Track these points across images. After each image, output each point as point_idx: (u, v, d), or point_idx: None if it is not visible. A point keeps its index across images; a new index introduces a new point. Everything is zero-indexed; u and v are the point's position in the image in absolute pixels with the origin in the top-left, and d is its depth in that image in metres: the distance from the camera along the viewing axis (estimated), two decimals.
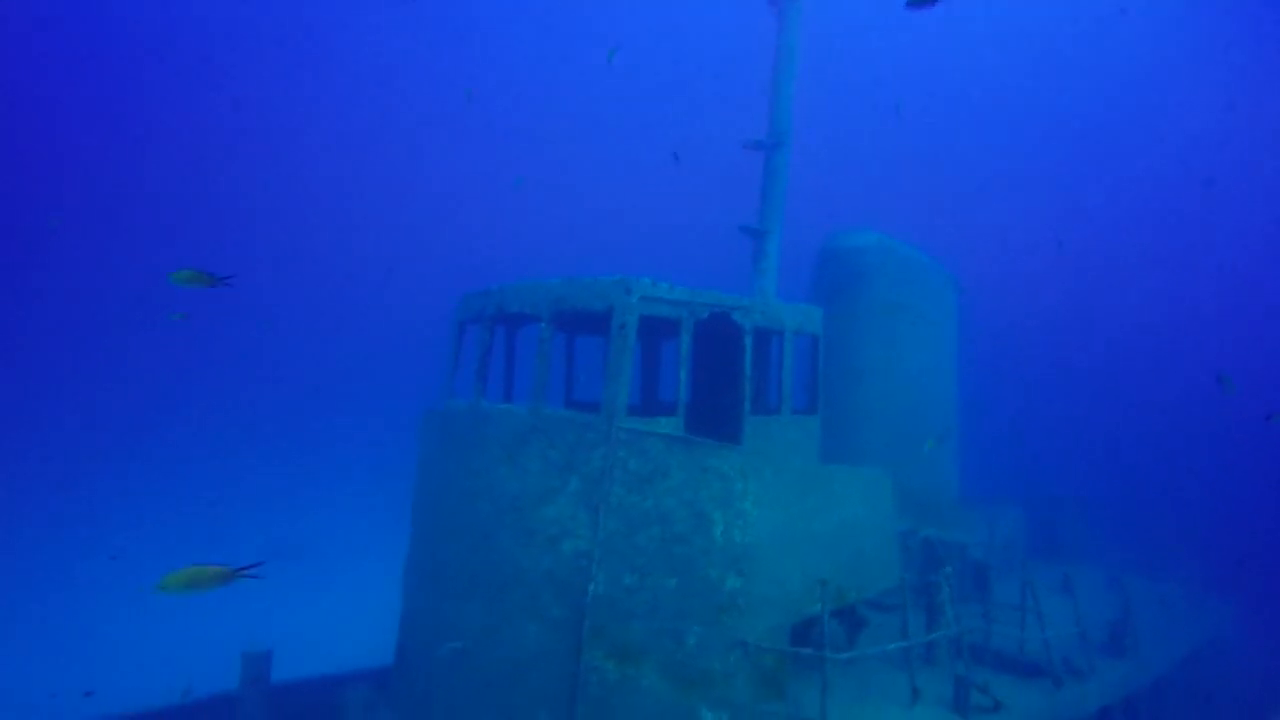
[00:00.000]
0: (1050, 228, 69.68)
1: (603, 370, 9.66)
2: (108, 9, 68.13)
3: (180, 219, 72.94)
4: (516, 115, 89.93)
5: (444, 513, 11.21)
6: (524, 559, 9.75)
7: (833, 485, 9.90)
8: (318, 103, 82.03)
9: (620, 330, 9.51)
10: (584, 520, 9.29)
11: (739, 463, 8.78)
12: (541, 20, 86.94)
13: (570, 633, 9.18)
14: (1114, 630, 12.73)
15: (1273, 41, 61.59)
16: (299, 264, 79.95)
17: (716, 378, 12.10)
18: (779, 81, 14.09)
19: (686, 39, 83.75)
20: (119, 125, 70.89)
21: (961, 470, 16.21)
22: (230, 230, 75.48)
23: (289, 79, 79.45)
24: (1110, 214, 72.60)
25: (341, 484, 48.11)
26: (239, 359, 67.73)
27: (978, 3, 73.06)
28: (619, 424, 9.25)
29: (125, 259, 66.63)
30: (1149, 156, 71.44)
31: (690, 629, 8.57)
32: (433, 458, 11.96)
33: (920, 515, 13.95)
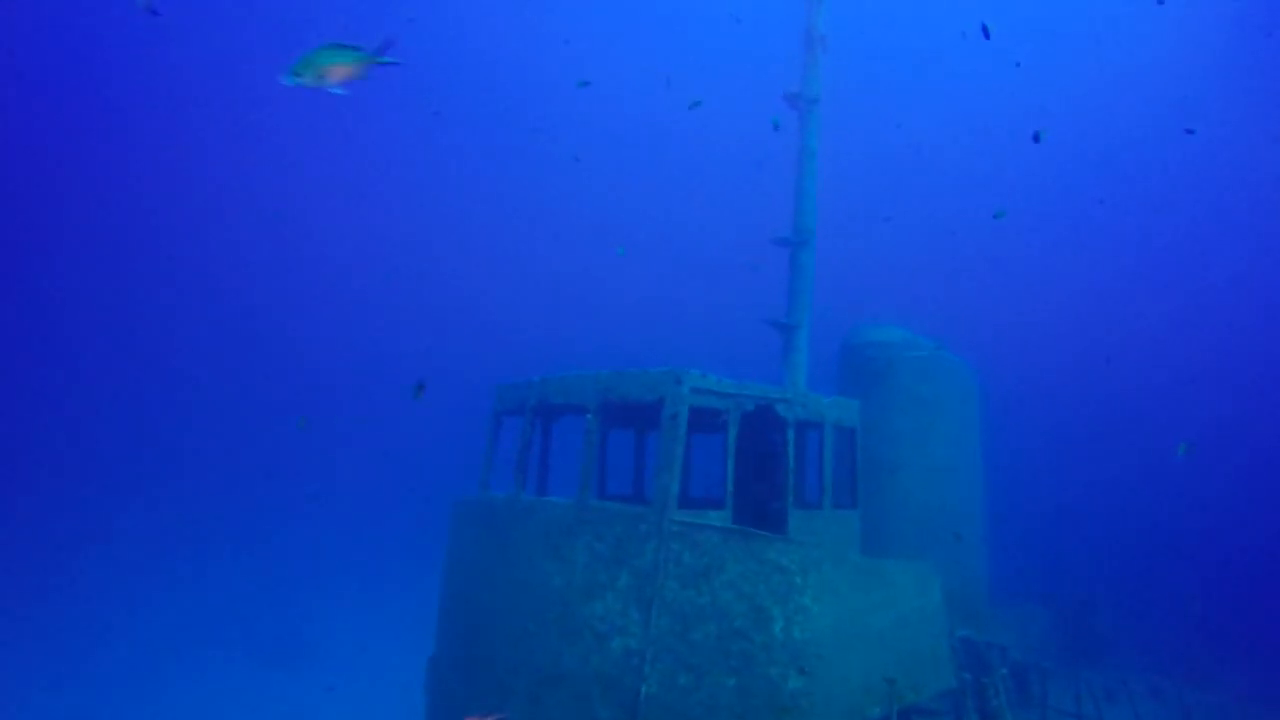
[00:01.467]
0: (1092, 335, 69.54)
1: (654, 463, 9.60)
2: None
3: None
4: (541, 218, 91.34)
5: (479, 607, 10.87)
6: (569, 657, 9.41)
7: (887, 580, 9.72)
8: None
9: (672, 421, 9.50)
10: (635, 617, 9.03)
11: (799, 556, 8.63)
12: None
13: None
14: None
15: None
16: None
17: (753, 471, 12.03)
18: (802, 182, 14.63)
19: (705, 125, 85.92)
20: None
21: (990, 569, 15.98)
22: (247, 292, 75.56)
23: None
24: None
25: (345, 578, 46.60)
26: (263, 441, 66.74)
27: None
28: (671, 516, 9.12)
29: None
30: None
31: None
32: (466, 550, 11.70)
33: (952, 615, 13.67)
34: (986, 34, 14.55)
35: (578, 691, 9.24)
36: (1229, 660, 18.78)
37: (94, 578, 41.61)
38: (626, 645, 9.00)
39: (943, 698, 10.65)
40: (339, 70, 6.27)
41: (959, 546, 14.46)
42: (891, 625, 9.53)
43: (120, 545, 46.69)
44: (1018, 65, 59.20)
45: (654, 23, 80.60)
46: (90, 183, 69.32)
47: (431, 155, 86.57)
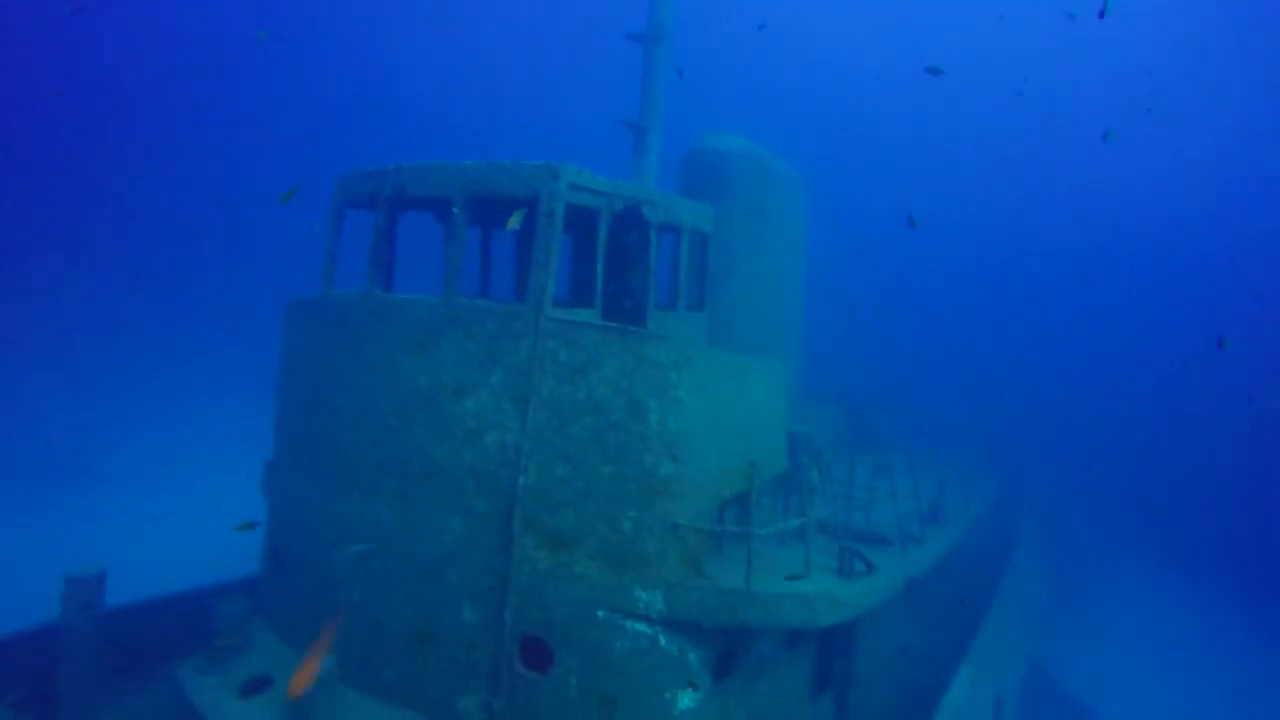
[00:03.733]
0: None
1: (522, 259, 9.30)
2: None
3: None
4: None
5: (330, 409, 10.39)
6: (440, 453, 9.37)
7: (745, 375, 10.40)
8: None
9: (548, 218, 9.16)
10: (510, 412, 9.08)
11: (674, 353, 8.94)
12: None
13: (497, 524, 9.07)
14: (933, 505, 14.92)
15: None
16: None
17: (609, 270, 12.07)
18: None
19: None
20: None
21: (802, 368, 17.65)
22: None
23: None
24: None
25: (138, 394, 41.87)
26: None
27: None
28: (548, 314, 9.02)
29: None
30: None
31: (625, 514, 8.78)
32: (311, 351, 10.96)
33: None
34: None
35: (450, 486, 9.31)
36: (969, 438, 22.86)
37: None
38: (502, 440, 9.09)
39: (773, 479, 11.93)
40: None
41: (779, 348, 15.70)
42: (745, 415, 10.34)
43: None
44: None
45: None
46: None
47: None
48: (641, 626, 8.75)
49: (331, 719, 9.11)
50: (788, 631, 9.84)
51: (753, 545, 9.02)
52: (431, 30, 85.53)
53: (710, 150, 15.18)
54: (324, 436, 10.50)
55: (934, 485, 16.01)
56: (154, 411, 39.50)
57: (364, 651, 9.78)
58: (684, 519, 9.01)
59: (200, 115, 72.03)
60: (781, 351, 15.98)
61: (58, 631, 11.08)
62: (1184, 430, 44.52)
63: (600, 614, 8.75)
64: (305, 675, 8.55)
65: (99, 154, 65.05)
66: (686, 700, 8.81)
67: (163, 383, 43.56)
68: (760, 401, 10.72)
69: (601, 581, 8.77)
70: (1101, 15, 13.64)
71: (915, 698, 13.23)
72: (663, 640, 8.78)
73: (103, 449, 34.16)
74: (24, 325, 46.12)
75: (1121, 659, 23.36)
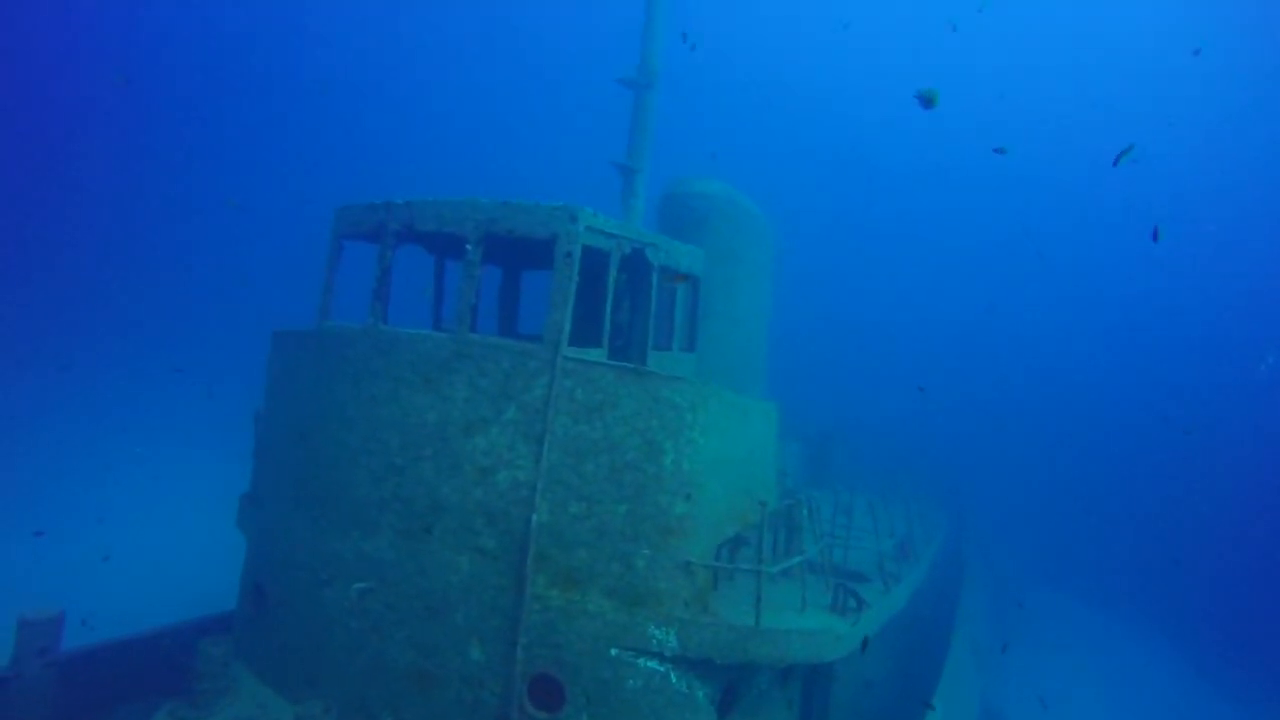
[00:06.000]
0: None
1: (548, 298, 9.43)
2: None
3: None
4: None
5: (326, 443, 10.19)
6: (448, 491, 9.31)
7: (747, 415, 10.71)
8: None
9: (566, 259, 9.32)
10: (523, 450, 9.11)
11: (690, 393, 9.18)
12: None
13: (508, 563, 9.04)
14: (903, 542, 15.51)
15: None
16: None
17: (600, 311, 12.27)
18: (651, 24, 14.26)
19: None
20: None
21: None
22: None
23: None
24: None
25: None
26: None
27: None
28: (565, 354, 9.15)
29: None
30: None
31: (640, 552, 8.90)
32: (304, 383, 10.72)
33: None
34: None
35: (459, 524, 9.25)
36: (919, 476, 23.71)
37: None
38: (515, 478, 9.10)
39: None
40: None
41: (750, 388, 16.12)
42: (745, 455, 10.63)
43: None
44: None
45: None
46: None
47: None
48: (654, 664, 8.83)
49: None
50: (782, 668, 10.08)
51: (755, 582, 9.26)
52: (417, 67, 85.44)
53: (691, 193, 15.64)
54: (317, 471, 10.26)
55: (898, 522, 16.62)
56: (100, 453, 37.28)
57: (360, 693, 9.53)
58: (693, 557, 9.19)
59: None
60: (753, 391, 16.43)
61: (8, 681, 10.36)
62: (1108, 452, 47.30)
63: (613, 652, 8.79)
64: None
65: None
66: None
67: (112, 422, 41.27)
68: (758, 442, 11.05)
69: (615, 619, 8.83)
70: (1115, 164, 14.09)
71: None
72: (673, 678, 8.89)
73: (48, 491, 31.94)
74: None
75: (1062, 696, 24.45)
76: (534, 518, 8.93)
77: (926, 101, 11.54)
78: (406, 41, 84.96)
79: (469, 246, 9.64)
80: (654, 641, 8.80)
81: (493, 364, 9.30)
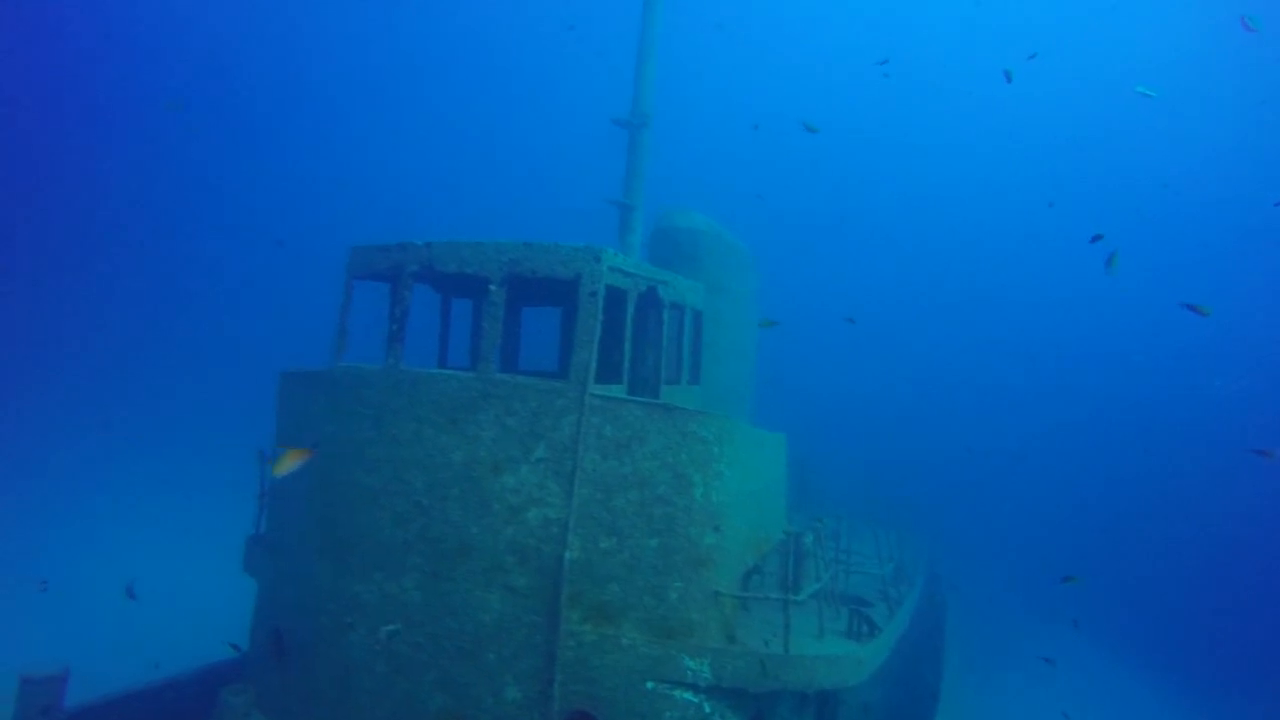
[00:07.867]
0: None
1: (571, 338, 9.62)
2: None
3: None
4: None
5: (345, 485, 10.14)
6: (477, 530, 9.36)
7: (764, 447, 11.01)
8: None
9: (591, 298, 9.54)
10: (553, 488, 9.23)
11: (716, 427, 9.43)
12: None
13: (540, 600, 9.12)
14: (897, 567, 15.96)
15: None
16: None
17: (614, 347, 12.50)
18: (642, 65, 14.69)
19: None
20: None
21: None
22: None
23: None
24: None
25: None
26: None
27: None
28: (591, 391, 9.33)
29: None
30: None
31: (672, 584, 9.08)
32: (319, 425, 10.65)
33: None
34: None
35: (489, 563, 9.30)
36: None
37: None
38: (545, 515, 9.21)
39: None
40: None
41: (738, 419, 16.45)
42: (762, 486, 10.92)
43: None
44: None
45: None
46: None
47: None
48: (689, 695, 8.98)
49: None
50: (799, 694, 10.31)
51: (771, 610, 9.51)
52: (410, 105, 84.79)
53: (681, 229, 16.00)
54: (336, 514, 10.19)
55: (891, 546, 17.03)
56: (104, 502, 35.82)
57: None
58: (721, 587, 9.40)
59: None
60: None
61: None
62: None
63: (649, 685, 8.92)
64: None
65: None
66: None
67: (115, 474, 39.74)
68: (772, 472, 11.36)
69: (649, 652, 8.96)
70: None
71: None
72: (707, 708, 9.04)
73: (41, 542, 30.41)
74: None
75: None
76: (566, 555, 9.04)
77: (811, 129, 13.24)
78: (407, 104, 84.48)
79: (492, 287, 9.78)
80: (688, 673, 8.95)
81: (520, 403, 9.43)
